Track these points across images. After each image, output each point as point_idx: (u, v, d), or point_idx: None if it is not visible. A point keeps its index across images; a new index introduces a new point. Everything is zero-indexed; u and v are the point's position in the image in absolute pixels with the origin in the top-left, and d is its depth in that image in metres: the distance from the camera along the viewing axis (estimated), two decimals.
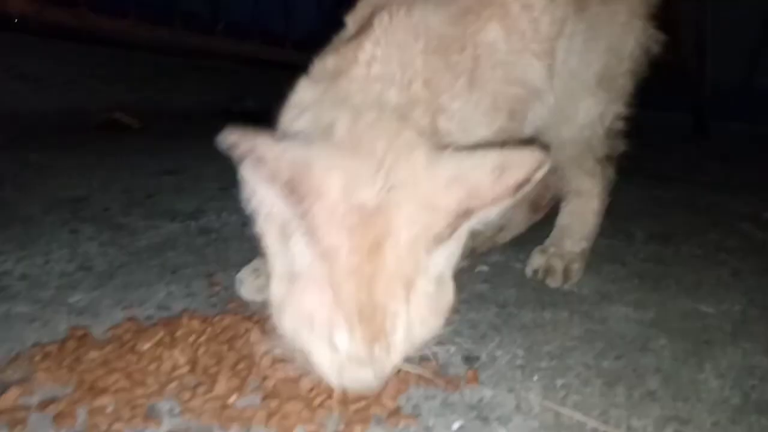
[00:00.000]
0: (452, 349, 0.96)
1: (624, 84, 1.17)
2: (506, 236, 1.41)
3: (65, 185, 1.58)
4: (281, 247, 0.69)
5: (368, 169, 0.66)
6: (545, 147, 0.72)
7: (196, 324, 0.91)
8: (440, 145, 0.74)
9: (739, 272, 1.46)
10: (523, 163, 0.66)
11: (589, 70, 1.11)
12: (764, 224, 1.96)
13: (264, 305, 0.81)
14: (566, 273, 1.26)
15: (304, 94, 0.84)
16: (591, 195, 1.26)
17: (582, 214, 1.28)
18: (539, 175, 0.65)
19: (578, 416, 0.81)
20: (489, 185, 0.65)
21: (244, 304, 1.01)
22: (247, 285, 1.03)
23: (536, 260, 1.28)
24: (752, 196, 2.32)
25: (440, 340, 0.97)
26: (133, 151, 2.00)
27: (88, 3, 2.83)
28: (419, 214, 0.66)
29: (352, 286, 0.63)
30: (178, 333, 0.88)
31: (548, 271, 1.26)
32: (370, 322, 0.64)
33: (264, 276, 0.95)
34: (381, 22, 0.84)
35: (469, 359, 0.94)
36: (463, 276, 1.25)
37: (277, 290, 0.70)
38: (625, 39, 1.14)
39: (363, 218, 0.64)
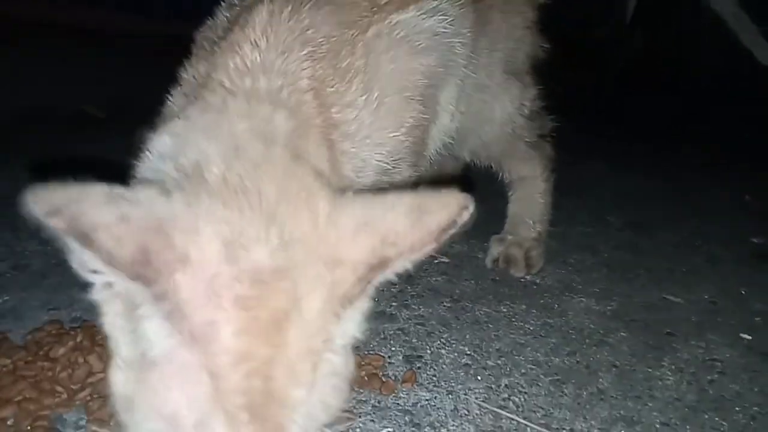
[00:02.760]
0: (394, 347, 0.91)
1: (528, 72, 1.19)
2: None
3: (16, 183, 1.52)
4: (127, 325, 0.52)
5: (257, 223, 0.52)
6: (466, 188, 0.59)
7: None
8: (341, 184, 0.63)
9: (715, 259, 1.41)
10: (446, 205, 0.54)
11: (494, 76, 1.11)
12: (746, 208, 1.91)
13: None
14: (527, 261, 1.21)
15: (172, 110, 0.70)
16: (534, 178, 1.24)
17: (530, 199, 1.25)
18: (465, 216, 0.54)
19: (518, 419, 0.76)
20: (407, 230, 0.53)
21: None
22: None
23: (494, 249, 1.24)
24: (737, 180, 2.25)
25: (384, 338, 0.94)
26: (95, 145, 1.95)
27: None
28: (324, 273, 0.53)
29: (241, 376, 0.48)
30: (99, 336, 0.83)
31: (509, 260, 1.22)
32: (264, 419, 0.49)
33: None
34: (260, 20, 0.71)
35: (411, 359, 0.89)
36: (419, 268, 1.21)
37: (120, 380, 0.53)
38: (517, 53, 1.16)
39: (257, 285, 0.49)
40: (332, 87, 0.74)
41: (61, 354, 0.80)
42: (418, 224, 0.53)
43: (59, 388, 0.74)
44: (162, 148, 0.63)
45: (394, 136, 0.82)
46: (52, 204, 0.45)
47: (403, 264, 0.55)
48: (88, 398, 0.74)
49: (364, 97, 0.77)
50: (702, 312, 1.13)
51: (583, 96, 3.05)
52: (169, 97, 0.72)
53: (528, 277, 1.21)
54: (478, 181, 1.50)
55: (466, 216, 0.55)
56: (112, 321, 0.53)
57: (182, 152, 0.60)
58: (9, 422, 0.69)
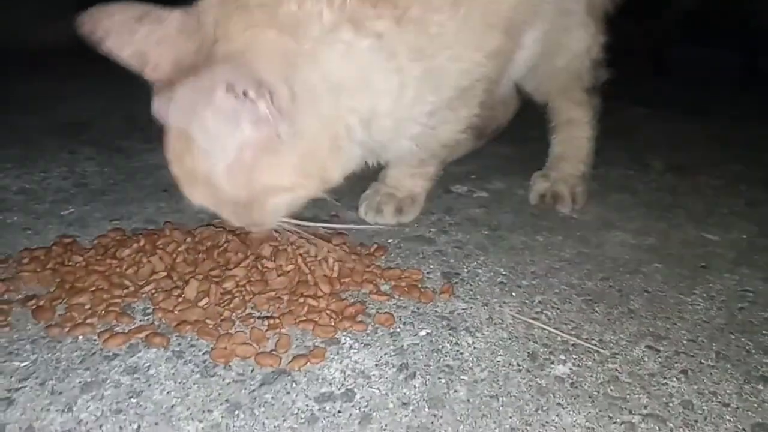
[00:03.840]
0: (432, 265, 0.95)
1: (601, 16, 1.22)
2: (449, 158, 1.38)
3: (68, 110, 1.60)
4: None
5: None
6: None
7: (177, 234, 0.92)
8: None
9: (755, 203, 1.40)
10: None
11: (579, 4, 1.15)
12: None
13: None
14: (573, 197, 1.24)
15: None
16: (581, 123, 1.26)
17: (575, 141, 1.27)
18: None
19: (549, 328, 0.80)
20: None
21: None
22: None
23: (539, 185, 1.25)
24: None
25: (422, 257, 0.98)
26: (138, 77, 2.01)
27: None
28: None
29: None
30: (160, 242, 0.90)
31: (556, 196, 1.24)
32: (182, 188, 0.80)
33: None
34: None
35: (448, 275, 0.93)
36: (457, 201, 1.25)
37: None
38: None
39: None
40: None
41: (126, 254, 0.87)
42: None
43: (127, 282, 0.82)
44: None
45: (474, 55, 0.86)
46: (88, 17, 0.69)
47: None
48: (153, 291, 0.81)
49: (450, 9, 0.81)
50: (738, 249, 1.13)
51: (630, 45, 2.96)
52: None
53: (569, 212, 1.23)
54: (517, 125, 1.52)
55: None
56: None
57: None
58: (86, 306, 0.77)
